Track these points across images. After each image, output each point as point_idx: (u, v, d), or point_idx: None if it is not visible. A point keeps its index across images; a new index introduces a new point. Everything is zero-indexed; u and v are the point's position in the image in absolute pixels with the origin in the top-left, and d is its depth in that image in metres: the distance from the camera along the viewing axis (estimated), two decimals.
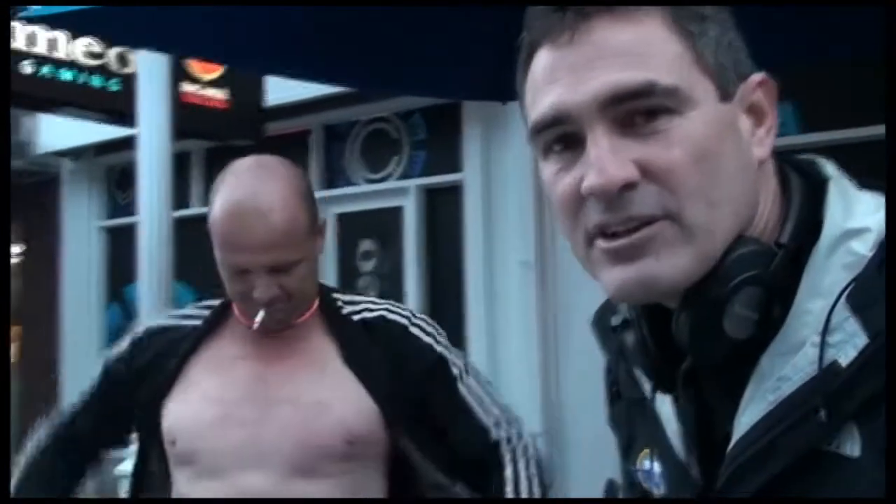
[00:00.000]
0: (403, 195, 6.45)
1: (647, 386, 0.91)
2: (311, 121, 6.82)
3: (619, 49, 0.77)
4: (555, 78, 0.80)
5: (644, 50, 0.78)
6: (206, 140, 6.91)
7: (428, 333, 1.72)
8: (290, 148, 7.01)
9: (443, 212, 6.32)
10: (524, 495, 1.65)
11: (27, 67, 5.19)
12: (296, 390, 1.63)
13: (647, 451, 0.94)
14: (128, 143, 5.02)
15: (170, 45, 3.31)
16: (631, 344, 0.89)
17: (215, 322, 1.75)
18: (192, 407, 1.65)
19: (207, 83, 5.97)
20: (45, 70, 5.28)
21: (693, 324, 0.79)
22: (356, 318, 1.71)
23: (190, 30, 2.81)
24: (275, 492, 1.58)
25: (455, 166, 6.13)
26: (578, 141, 0.79)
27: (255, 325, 1.62)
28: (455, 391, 1.69)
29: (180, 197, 7.52)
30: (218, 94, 6.06)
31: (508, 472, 1.66)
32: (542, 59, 0.81)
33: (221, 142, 6.74)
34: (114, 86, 5.55)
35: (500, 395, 1.77)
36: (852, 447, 0.73)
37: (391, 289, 6.47)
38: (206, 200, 6.93)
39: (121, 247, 7.11)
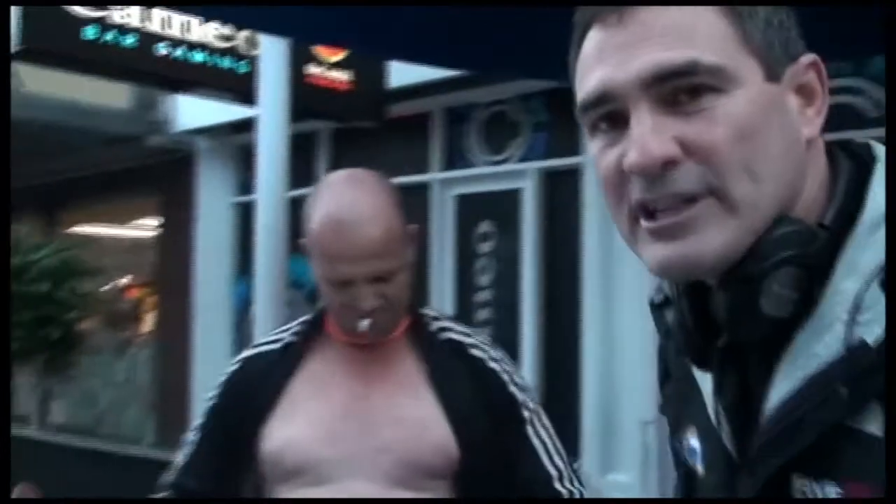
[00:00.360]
0: (522, 177, 6.45)
1: (692, 367, 0.92)
2: (433, 103, 6.88)
3: (664, 28, 0.79)
4: (602, 57, 0.82)
5: (689, 29, 0.78)
6: (330, 121, 7.07)
7: (506, 371, 1.76)
8: (412, 130, 7.12)
9: (561, 195, 6.30)
10: None
11: (161, 49, 5.41)
12: (397, 412, 1.69)
13: (692, 428, 0.94)
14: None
15: (293, 30, 3.41)
16: (671, 321, 0.90)
17: (309, 341, 1.79)
18: (296, 428, 1.70)
19: (332, 65, 6.09)
20: (178, 52, 5.49)
21: (730, 301, 0.80)
22: (443, 336, 1.76)
23: (313, 15, 2.89)
24: (378, 496, 1.64)
25: (574, 149, 6.08)
26: (624, 119, 0.81)
27: (362, 331, 1.66)
28: (523, 432, 1.71)
29: (306, 176, 7.74)
30: (342, 76, 6.19)
31: None
32: (592, 39, 0.84)
33: (345, 123, 6.89)
34: (242, 67, 5.72)
35: (565, 450, 1.77)
36: (873, 423, 0.74)
37: (508, 270, 6.50)
38: None
39: (251, 223, 7.38)
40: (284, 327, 1.87)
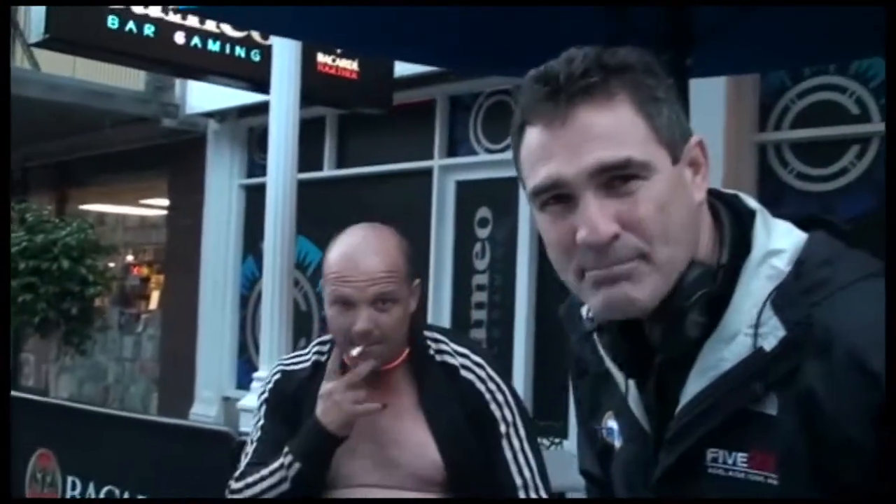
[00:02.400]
0: None
1: (610, 367, 1.20)
2: (437, 91, 7.11)
3: (601, 132, 1.01)
4: (551, 154, 1.03)
5: (620, 133, 1.01)
6: (338, 108, 7.31)
7: (489, 391, 2.02)
8: (416, 117, 7.36)
9: None
10: None
11: (180, 38, 5.68)
12: (398, 436, 1.98)
13: (609, 412, 1.22)
14: (267, 108, 5.39)
15: (296, 32, 3.65)
16: (606, 343, 1.17)
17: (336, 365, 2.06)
18: None
19: (340, 54, 6.34)
20: (196, 41, 5.75)
21: (663, 330, 1.08)
22: (438, 359, 2.04)
23: (314, 19, 3.14)
24: (395, 496, 1.95)
25: None
26: (569, 198, 1.03)
27: (354, 356, 1.92)
28: (499, 445, 1.99)
29: (314, 160, 7.98)
30: (350, 65, 6.44)
31: None
32: (537, 136, 1.04)
33: (352, 110, 7.13)
34: (255, 56, 5.98)
35: (539, 454, 2.04)
36: (771, 408, 1.01)
37: (504, 255, 6.74)
38: (338, 163, 7.41)
39: (258, 204, 7.59)
40: (309, 347, 2.16)
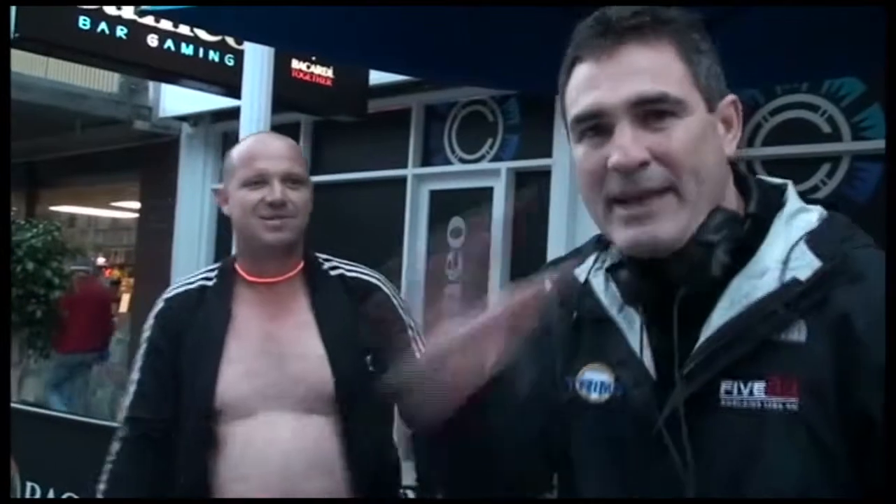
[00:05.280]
0: (495, 177, 6.68)
1: (613, 314, 1.18)
2: (412, 100, 7.11)
3: (644, 68, 1.08)
4: (596, 84, 1.09)
5: (661, 70, 1.08)
6: (312, 114, 7.28)
7: (395, 296, 2.07)
8: (391, 125, 7.34)
9: (531, 195, 6.53)
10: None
11: (153, 41, 5.63)
12: (301, 349, 1.93)
13: (593, 364, 1.19)
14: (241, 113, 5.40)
15: (269, 38, 3.63)
16: (625, 280, 1.16)
17: (222, 283, 2.03)
18: (220, 367, 1.92)
19: (315, 61, 6.31)
20: (169, 44, 5.71)
21: (689, 265, 1.08)
22: (333, 273, 2.05)
23: (285, 26, 3.11)
24: (294, 424, 1.89)
25: (546, 152, 6.31)
26: (607, 130, 1.08)
27: (268, 236, 1.93)
28: (408, 348, 1.95)
29: None
30: (324, 72, 6.41)
31: None
32: (586, 70, 1.11)
33: (326, 116, 7.10)
34: (229, 60, 5.95)
35: None
36: (800, 334, 1.04)
37: (477, 265, 6.71)
38: (312, 170, 7.34)
39: None
40: (195, 273, 2.11)
